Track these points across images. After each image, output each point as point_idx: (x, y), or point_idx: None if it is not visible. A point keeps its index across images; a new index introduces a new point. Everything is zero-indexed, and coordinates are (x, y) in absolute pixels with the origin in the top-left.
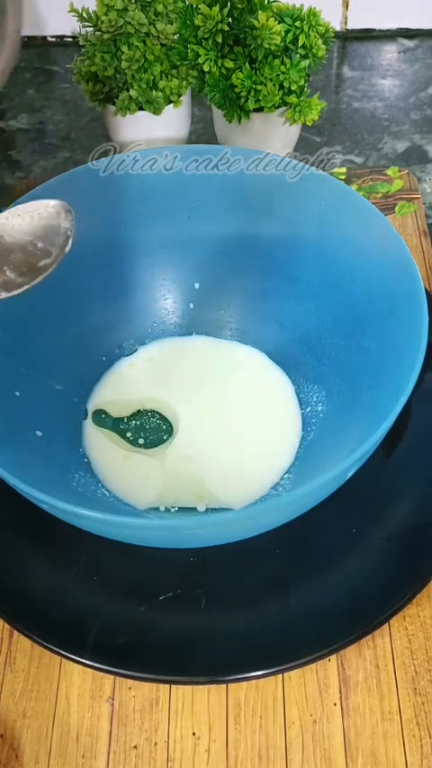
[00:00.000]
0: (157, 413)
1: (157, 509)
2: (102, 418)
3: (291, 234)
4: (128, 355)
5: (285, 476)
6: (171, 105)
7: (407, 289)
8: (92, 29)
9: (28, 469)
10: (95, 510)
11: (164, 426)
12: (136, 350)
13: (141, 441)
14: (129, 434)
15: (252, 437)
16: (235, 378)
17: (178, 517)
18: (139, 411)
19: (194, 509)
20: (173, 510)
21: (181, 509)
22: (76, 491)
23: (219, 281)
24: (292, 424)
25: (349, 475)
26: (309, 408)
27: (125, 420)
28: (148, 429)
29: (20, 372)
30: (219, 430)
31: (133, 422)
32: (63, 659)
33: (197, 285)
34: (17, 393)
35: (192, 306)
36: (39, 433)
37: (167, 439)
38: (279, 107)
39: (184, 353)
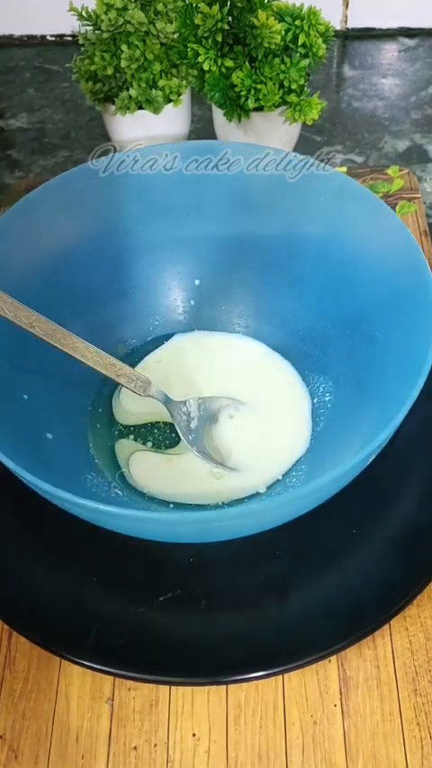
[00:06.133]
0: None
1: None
2: (119, 431)
3: (292, 227)
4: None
5: (298, 467)
6: (171, 104)
7: (412, 275)
8: (91, 28)
9: (47, 471)
10: (134, 509)
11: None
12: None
13: (150, 443)
14: (150, 442)
15: (263, 429)
16: (240, 371)
17: (213, 509)
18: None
19: (208, 505)
20: (171, 505)
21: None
22: (90, 492)
23: (220, 276)
24: (302, 415)
25: (370, 460)
26: (316, 399)
27: (143, 427)
28: (166, 432)
29: (26, 376)
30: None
31: (150, 428)
32: (63, 660)
33: (197, 282)
34: (25, 396)
35: (193, 302)
36: (49, 436)
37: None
38: (279, 106)
39: (188, 351)
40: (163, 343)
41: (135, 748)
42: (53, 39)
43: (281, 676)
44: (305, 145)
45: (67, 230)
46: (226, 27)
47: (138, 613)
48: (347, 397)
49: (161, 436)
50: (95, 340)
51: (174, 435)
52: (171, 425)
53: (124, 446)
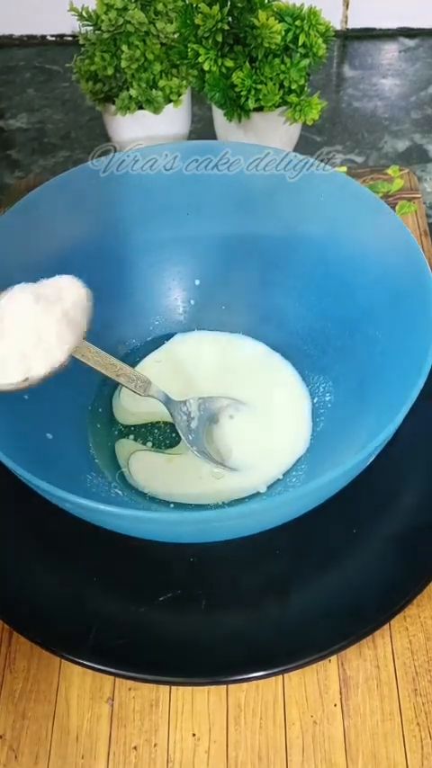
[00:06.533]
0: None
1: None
2: (119, 431)
3: (292, 227)
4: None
5: (298, 467)
6: (171, 104)
7: (413, 276)
8: (92, 28)
9: (47, 471)
10: (134, 509)
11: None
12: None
13: (150, 443)
14: (150, 442)
15: (263, 429)
16: (240, 371)
17: (212, 509)
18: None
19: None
20: (172, 505)
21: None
22: (90, 492)
23: (220, 276)
24: (302, 415)
25: (371, 460)
26: (316, 399)
27: (143, 427)
28: (167, 431)
29: None
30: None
31: (150, 428)
32: (63, 660)
33: (197, 282)
34: (25, 396)
35: (193, 302)
36: (49, 436)
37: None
38: (279, 106)
39: (188, 351)
40: (163, 343)
41: (135, 748)
42: (53, 39)
43: (281, 676)
44: (305, 145)
45: (67, 230)
46: (226, 27)
47: (138, 613)
48: (347, 397)
49: (161, 436)
50: (95, 340)
51: (174, 435)
52: (171, 425)
53: (124, 446)
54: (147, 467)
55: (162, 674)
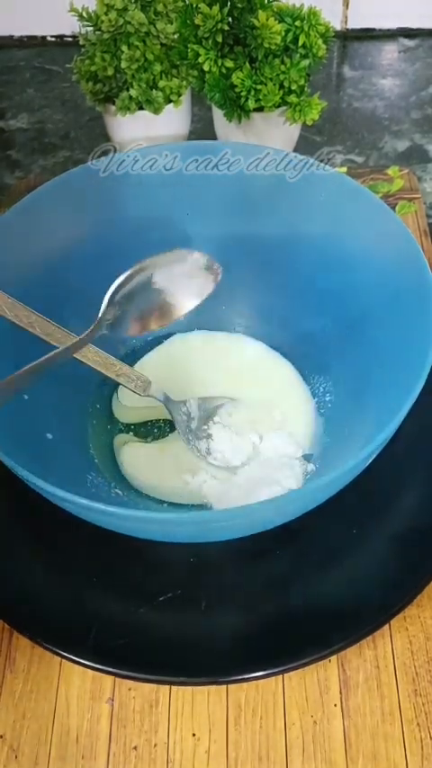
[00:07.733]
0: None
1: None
2: (119, 430)
3: (292, 227)
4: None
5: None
6: (171, 105)
7: (412, 275)
8: (92, 28)
9: (47, 471)
10: (134, 509)
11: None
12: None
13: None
14: (148, 438)
15: (263, 429)
16: (240, 371)
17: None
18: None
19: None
20: (166, 504)
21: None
22: (90, 492)
23: (220, 276)
24: (302, 415)
25: (371, 460)
26: (316, 399)
27: (142, 427)
28: (166, 431)
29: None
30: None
31: (149, 427)
32: (63, 660)
33: None
34: (25, 396)
35: None
36: (49, 436)
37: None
38: (279, 106)
39: (188, 350)
40: (162, 343)
41: (135, 748)
42: (53, 39)
43: (281, 676)
44: (305, 145)
45: (68, 230)
46: (226, 28)
47: (138, 613)
48: (347, 398)
49: (161, 435)
50: (95, 340)
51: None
52: (171, 424)
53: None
54: (140, 460)
55: (162, 674)
